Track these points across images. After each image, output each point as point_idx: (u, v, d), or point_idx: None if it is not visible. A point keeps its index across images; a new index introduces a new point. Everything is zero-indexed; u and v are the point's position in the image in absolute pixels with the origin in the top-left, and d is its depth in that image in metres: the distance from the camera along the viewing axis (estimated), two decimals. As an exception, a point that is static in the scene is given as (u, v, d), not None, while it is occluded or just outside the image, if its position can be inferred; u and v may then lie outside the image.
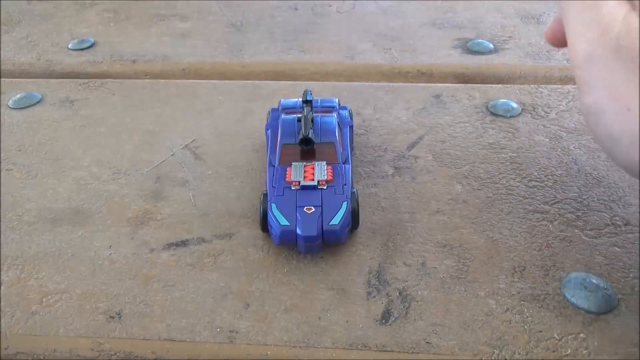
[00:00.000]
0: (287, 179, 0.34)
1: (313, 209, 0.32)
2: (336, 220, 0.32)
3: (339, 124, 0.38)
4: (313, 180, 0.34)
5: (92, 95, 0.50)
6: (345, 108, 0.41)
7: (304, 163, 0.35)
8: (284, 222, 0.32)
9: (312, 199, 0.33)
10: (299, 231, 0.32)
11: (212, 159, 0.42)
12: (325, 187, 0.33)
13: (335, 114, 0.39)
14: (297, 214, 0.32)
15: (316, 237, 0.32)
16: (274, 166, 0.35)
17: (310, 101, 0.38)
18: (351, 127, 0.39)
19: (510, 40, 0.56)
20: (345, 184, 0.34)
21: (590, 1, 0.27)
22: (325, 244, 0.33)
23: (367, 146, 0.42)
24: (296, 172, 0.34)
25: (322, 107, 0.40)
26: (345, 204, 0.33)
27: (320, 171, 0.34)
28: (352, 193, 0.34)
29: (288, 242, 0.32)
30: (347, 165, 0.35)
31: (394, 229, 0.35)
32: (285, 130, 0.37)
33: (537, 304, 0.30)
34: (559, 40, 0.32)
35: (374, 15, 0.62)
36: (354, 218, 0.33)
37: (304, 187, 0.34)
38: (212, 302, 0.31)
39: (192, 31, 0.60)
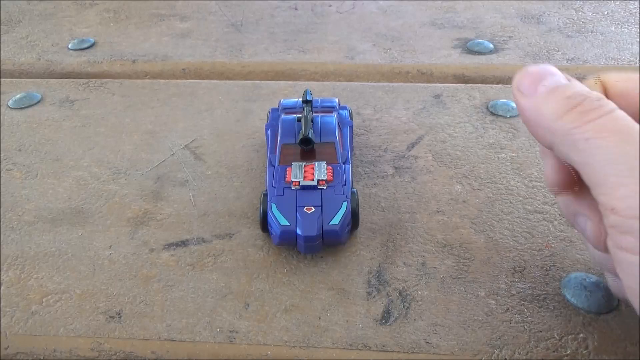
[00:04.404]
0: (287, 179, 0.34)
1: (313, 209, 0.32)
2: (336, 220, 0.32)
3: (339, 124, 0.38)
4: (313, 180, 0.34)
5: (92, 95, 0.50)
6: (345, 108, 0.41)
7: (304, 163, 0.35)
8: (284, 222, 0.32)
9: (312, 199, 0.33)
10: (299, 231, 0.32)
11: (212, 159, 0.42)
12: (325, 187, 0.33)
13: (335, 114, 0.39)
14: (297, 214, 0.32)
15: (316, 237, 0.32)
16: (273, 166, 0.35)
17: (310, 101, 0.38)
18: (351, 127, 0.39)
19: (510, 40, 0.56)
20: (345, 184, 0.34)
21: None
22: (326, 244, 0.33)
23: (367, 146, 0.42)
24: (296, 172, 0.34)
25: (322, 107, 0.40)
26: (345, 204, 0.33)
27: (320, 171, 0.34)
28: (352, 193, 0.34)
29: (288, 242, 0.32)
30: (347, 165, 0.35)
31: (394, 229, 0.35)
32: (285, 130, 0.37)
33: (537, 304, 0.30)
34: (568, 183, 0.26)
35: (374, 15, 0.62)
36: (354, 218, 0.33)
37: (304, 187, 0.34)
38: (212, 302, 0.31)
39: (192, 31, 0.60)
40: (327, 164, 0.35)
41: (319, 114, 0.38)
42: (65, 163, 0.42)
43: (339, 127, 0.38)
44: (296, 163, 0.35)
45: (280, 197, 0.33)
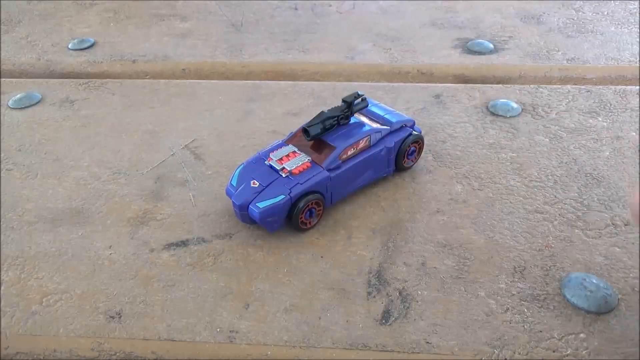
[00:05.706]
0: (271, 154, 0.35)
1: (257, 185, 0.34)
2: (262, 205, 0.33)
3: (369, 138, 0.36)
4: (281, 164, 0.34)
5: (92, 95, 0.50)
6: (408, 131, 0.38)
7: (296, 150, 0.36)
8: (233, 182, 0.35)
9: (265, 177, 0.34)
10: (233, 197, 0.34)
11: (212, 159, 0.42)
12: (283, 176, 0.34)
13: (383, 129, 0.37)
14: (245, 182, 0.34)
15: (240, 207, 0.33)
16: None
17: (351, 102, 0.36)
18: (390, 149, 0.37)
19: (510, 40, 0.56)
20: (301, 184, 0.34)
21: None
22: (253, 222, 0.34)
23: (367, 146, 0.42)
24: (281, 152, 0.35)
25: (376, 116, 0.38)
26: (282, 197, 0.33)
27: (295, 162, 0.34)
28: (303, 196, 0.33)
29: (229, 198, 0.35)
30: (325, 173, 0.34)
31: (394, 229, 0.35)
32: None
33: (537, 304, 0.30)
34: None
35: (374, 15, 0.62)
36: (291, 217, 0.34)
37: (270, 166, 0.35)
38: (212, 302, 0.31)
39: (192, 31, 0.60)
40: (310, 161, 0.35)
41: (364, 120, 0.38)
42: (65, 163, 0.42)
43: (368, 143, 0.36)
44: (292, 146, 0.36)
45: (252, 164, 0.35)
